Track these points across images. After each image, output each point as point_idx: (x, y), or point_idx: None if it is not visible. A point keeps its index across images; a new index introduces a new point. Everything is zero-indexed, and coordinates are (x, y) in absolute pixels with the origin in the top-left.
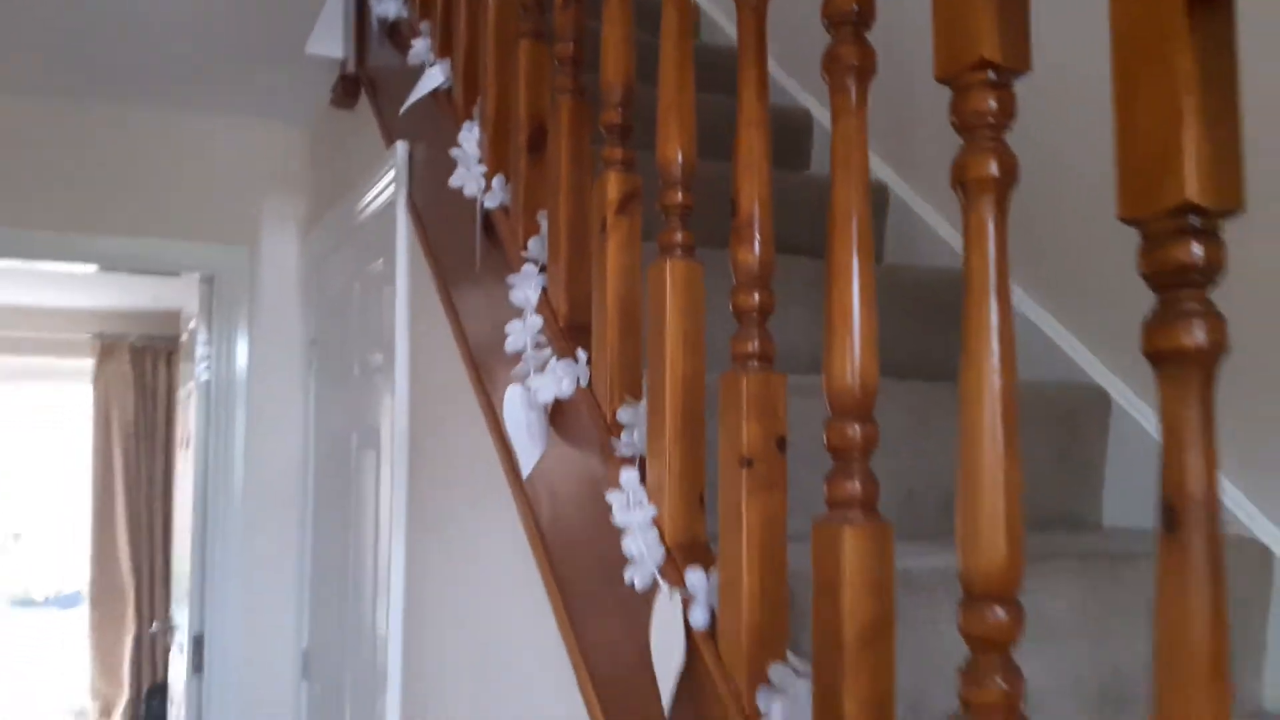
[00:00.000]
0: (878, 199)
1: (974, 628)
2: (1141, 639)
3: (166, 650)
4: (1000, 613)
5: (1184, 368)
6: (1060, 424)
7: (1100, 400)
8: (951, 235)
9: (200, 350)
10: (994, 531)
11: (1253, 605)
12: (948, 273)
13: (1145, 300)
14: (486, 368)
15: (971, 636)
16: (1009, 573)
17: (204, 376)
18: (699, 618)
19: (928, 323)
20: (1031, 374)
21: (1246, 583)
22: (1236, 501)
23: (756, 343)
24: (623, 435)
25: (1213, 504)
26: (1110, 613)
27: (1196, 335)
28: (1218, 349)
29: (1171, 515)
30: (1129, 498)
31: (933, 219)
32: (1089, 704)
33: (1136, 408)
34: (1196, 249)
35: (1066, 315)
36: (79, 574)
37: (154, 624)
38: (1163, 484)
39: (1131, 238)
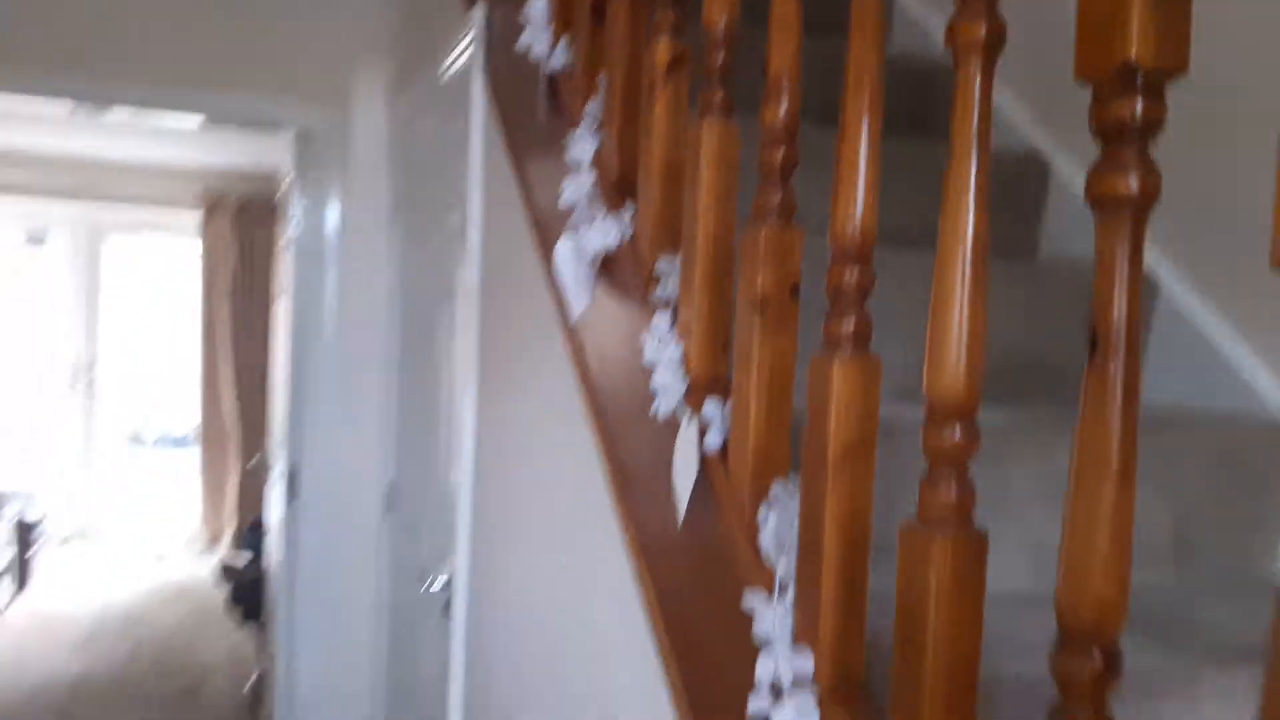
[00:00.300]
0: (934, 77)
1: (933, 443)
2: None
3: (266, 486)
4: (957, 431)
5: (1118, 213)
6: None
7: (1148, 284)
8: (1023, 122)
9: (295, 206)
10: (957, 358)
11: (1273, 480)
12: (1009, 153)
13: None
14: (546, 224)
15: (931, 451)
16: (967, 395)
17: (298, 231)
18: (713, 441)
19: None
20: (1082, 251)
21: (1264, 459)
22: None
23: (778, 197)
24: (659, 284)
25: (1133, 332)
26: None
27: (1131, 184)
28: (1149, 198)
29: (1095, 340)
30: (1168, 380)
31: (1004, 104)
32: None
33: (1181, 298)
34: (1138, 106)
35: None
36: (189, 416)
37: (254, 459)
38: (1091, 313)
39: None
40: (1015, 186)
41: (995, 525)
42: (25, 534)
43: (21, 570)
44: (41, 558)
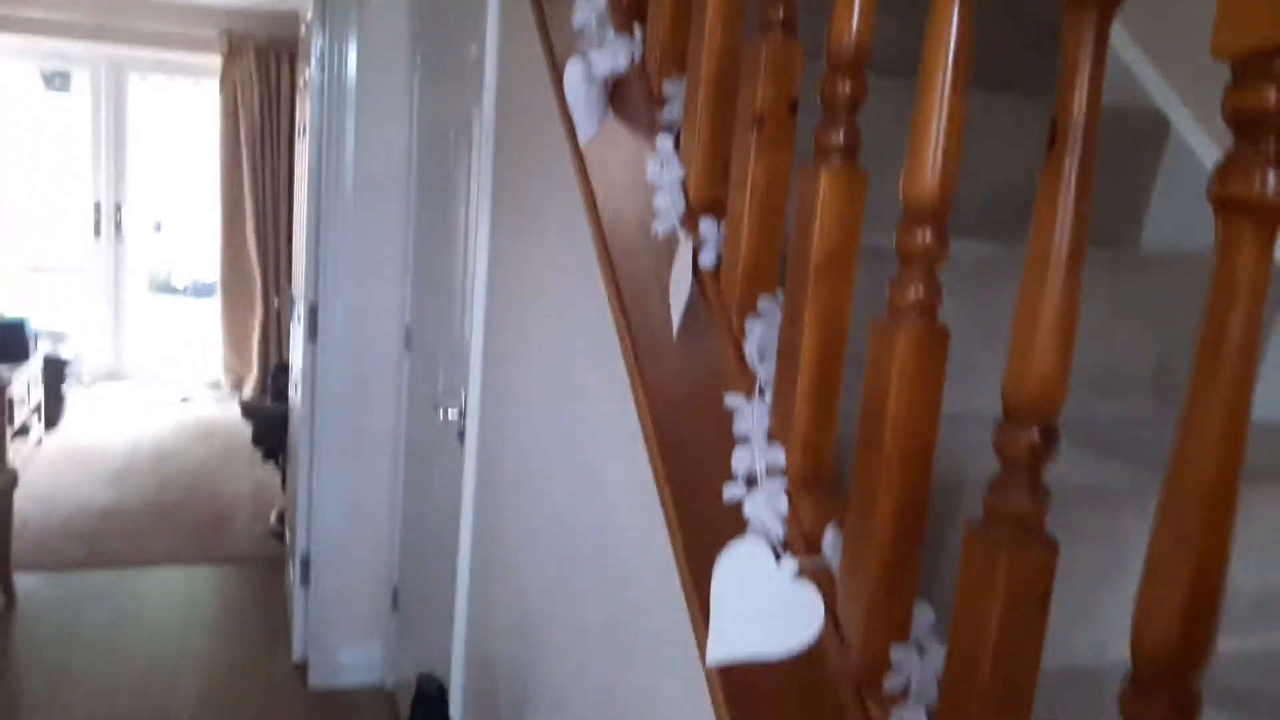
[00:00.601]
0: None
1: (905, 243)
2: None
3: (288, 333)
4: (928, 233)
5: (1083, 12)
6: (1112, 145)
7: (1158, 125)
8: None
9: (315, 45)
10: (933, 164)
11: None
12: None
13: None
14: (560, 51)
15: (903, 251)
16: (940, 199)
17: (318, 70)
18: (707, 259)
19: (1028, 37)
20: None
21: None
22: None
23: (781, 8)
24: (666, 107)
25: (1091, 128)
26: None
27: None
28: None
29: (1055, 131)
30: (1174, 222)
31: None
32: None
33: (1194, 135)
34: None
35: (1136, 36)
36: (213, 263)
37: (275, 301)
38: (1055, 106)
39: None
40: (1050, 32)
41: (983, 350)
42: (56, 371)
43: (53, 406)
44: (72, 395)
